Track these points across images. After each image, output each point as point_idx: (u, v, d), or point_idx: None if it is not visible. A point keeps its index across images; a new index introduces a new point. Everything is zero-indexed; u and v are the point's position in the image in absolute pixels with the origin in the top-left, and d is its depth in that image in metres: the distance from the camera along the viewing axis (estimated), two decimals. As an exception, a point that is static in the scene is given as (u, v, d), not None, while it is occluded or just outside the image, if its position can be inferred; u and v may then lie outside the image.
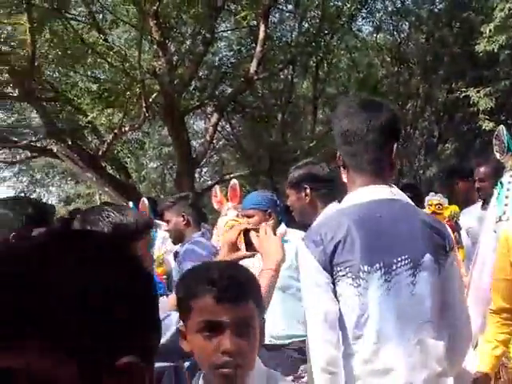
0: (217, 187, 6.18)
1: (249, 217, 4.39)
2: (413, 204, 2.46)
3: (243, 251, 2.32)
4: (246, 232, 2.35)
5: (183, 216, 4.85)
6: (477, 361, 2.91)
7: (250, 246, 2.33)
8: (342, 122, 2.33)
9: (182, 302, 1.73)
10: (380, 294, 2.19)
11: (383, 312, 2.17)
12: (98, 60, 11.15)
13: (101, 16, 11.65)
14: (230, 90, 14.37)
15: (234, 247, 2.31)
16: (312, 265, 2.22)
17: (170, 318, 2.01)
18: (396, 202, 2.30)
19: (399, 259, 2.21)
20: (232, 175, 13.72)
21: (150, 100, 10.82)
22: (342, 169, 2.39)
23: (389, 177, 2.37)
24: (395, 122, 2.36)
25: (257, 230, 2.35)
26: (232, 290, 1.63)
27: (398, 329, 2.17)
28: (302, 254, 2.32)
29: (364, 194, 2.28)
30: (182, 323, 1.75)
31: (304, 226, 3.78)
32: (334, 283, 2.22)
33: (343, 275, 2.19)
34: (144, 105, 10.49)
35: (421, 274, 2.22)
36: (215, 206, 5.99)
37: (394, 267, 2.21)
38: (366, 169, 2.30)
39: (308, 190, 3.70)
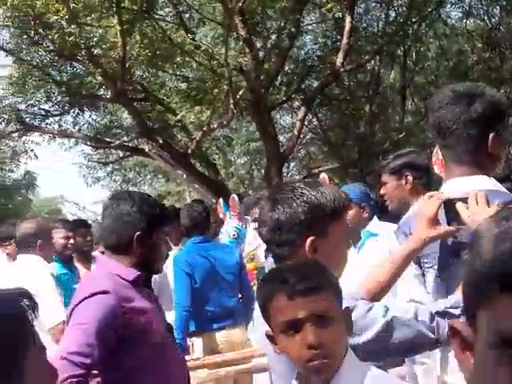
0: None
1: None
2: None
3: (445, 226, 2.04)
4: (449, 203, 2.03)
5: None
6: None
7: (453, 219, 2.02)
8: (436, 115, 2.25)
9: (262, 308, 1.73)
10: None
11: None
12: (186, 59, 11.34)
13: (187, 15, 11.81)
14: (316, 84, 14.29)
15: (433, 222, 2.03)
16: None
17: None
18: (495, 193, 2.20)
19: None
20: (321, 169, 13.66)
21: (238, 96, 10.89)
22: (436, 160, 2.30)
23: (490, 168, 2.25)
24: (491, 111, 2.21)
25: (463, 200, 1.99)
26: (300, 284, 1.61)
27: None
28: (393, 246, 2.25)
29: (460, 184, 2.19)
30: (267, 328, 1.72)
31: (395, 218, 3.74)
32: (423, 275, 2.17)
33: (430, 267, 2.15)
34: (232, 101, 10.57)
35: None
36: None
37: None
38: (464, 160, 2.19)
39: (410, 177, 3.68)
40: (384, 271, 2.11)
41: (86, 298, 2.56)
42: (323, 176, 5.87)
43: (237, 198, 6.44)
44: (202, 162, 13.98)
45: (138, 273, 2.67)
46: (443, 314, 1.81)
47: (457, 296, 1.82)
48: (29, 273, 4.23)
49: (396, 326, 1.79)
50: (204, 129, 11.23)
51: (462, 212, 1.98)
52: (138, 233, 2.66)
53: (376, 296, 2.10)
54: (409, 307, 1.87)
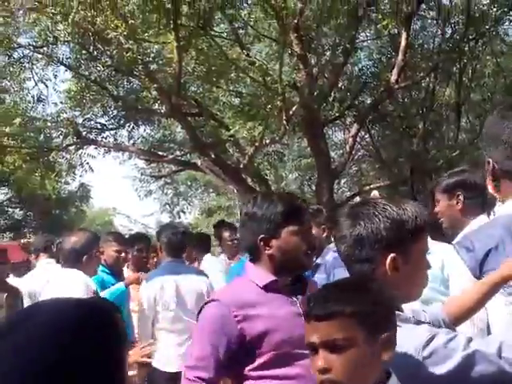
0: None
1: None
2: None
3: None
4: None
5: (323, 228, 4.91)
6: None
7: None
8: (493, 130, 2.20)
9: None
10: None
11: None
12: (240, 75, 11.41)
13: (243, 32, 11.89)
14: (369, 100, 14.22)
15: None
16: (463, 270, 2.12)
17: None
18: None
19: None
20: (371, 186, 13.55)
21: (290, 112, 10.90)
22: (491, 178, 2.24)
23: None
24: None
25: None
26: (316, 309, 1.63)
27: None
28: (453, 260, 2.22)
29: None
30: None
31: (447, 237, 3.70)
32: None
33: None
34: (284, 117, 10.58)
35: None
36: None
37: None
38: None
39: (461, 197, 3.66)
40: (470, 297, 2.10)
41: (201, 309, 2.63)
42: (374, 193, 5.82)
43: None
44: (253, 177, 14.01)
45: (272, 278, 2.58)
46: None
47: None
48: (70, 287, 4.27)
49: (477, 359, 1.71)
50: (256, 144, 11.25)
51: None
52: (261, 236, 2.59)
53: (457, 321, 2.08)
54: (492, 341, 1.79)
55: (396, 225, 1.83)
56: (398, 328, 1.69)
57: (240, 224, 2.72)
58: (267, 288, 2.57)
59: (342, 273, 4.23)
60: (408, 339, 1.72)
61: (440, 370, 1.70)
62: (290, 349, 2.48)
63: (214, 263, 6.75)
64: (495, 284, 2.05)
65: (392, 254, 1.83)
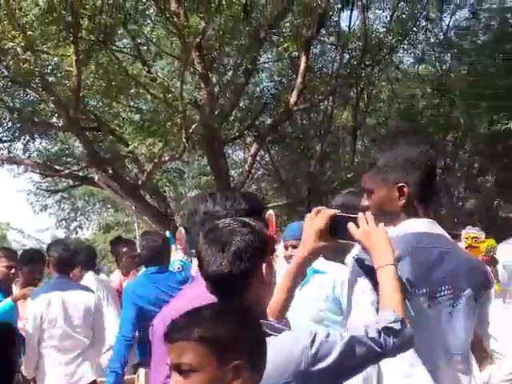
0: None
1: (294, 247, 4.36)
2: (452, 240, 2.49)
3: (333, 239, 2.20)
4: (335, 219, 2.17)
5: None
6: None
7: (337, 235, 2.18)
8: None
9: None
10: (420, 318, 2.19)
11: (420, 336, 2.13)
12: (141, 91, 11.33)
13: (145, 48, 11.83)
14: (269, 121, 14.44)
15: (322, 235, 2.18)
16: (364, 284, 2.21)
17: None
18: (442, 237, 2.33)
19: (443, 288, 2.24)
20: (270, 205, 13.72)
21: (191, 130, 10.92)
22: (403, 204, 2.33)
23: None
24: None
25: (352, 220, 2.14)
26: (171, 331, 1.66)
27: (429, 356, 2.17)
28: (353, 275, 2.29)
29: (420, 224, 2.29)
30: None
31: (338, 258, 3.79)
32: None
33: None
34: (184, 135, 10.58)
35: (459, 308, 2.24)
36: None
37: (438, 295, 2.23)
38: (427, 201, 2.31)
39: None
40: (283, 283, 2.26)
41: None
42: (269, 213, 5.90)
43: (183, 231, 6.42)
44: (152, 194, 13.90)
45: None
46: (386, 329, 1.93)
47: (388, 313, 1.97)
48: None
49: (354, 344, 1.90)
50: (155, 160, 11.19)
51: (353, 230, 2.14)
52: None
53: (281, 314, 2.24)
54: (359, 325, 1.98)
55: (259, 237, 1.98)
56: (274, 337, 1.82)
57: (199, 223, 2.39)
58: None
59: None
60: (291, 344, 1.86)
61: (327, 361, 1.86)
62: None
63: (92, 282, 6.58)
64: (297, 264, 2.25)
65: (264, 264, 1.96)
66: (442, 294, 2.24)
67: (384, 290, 2.04)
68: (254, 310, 1.83)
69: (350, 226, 2.14)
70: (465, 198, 15.64)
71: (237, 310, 1.75)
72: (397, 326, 1.94)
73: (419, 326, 2.14)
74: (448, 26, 15.20)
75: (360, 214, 2.16)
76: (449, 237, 2.40)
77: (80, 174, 14.79)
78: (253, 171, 16.79)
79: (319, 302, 3.99)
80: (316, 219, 2.23)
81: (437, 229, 2.32)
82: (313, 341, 1.85)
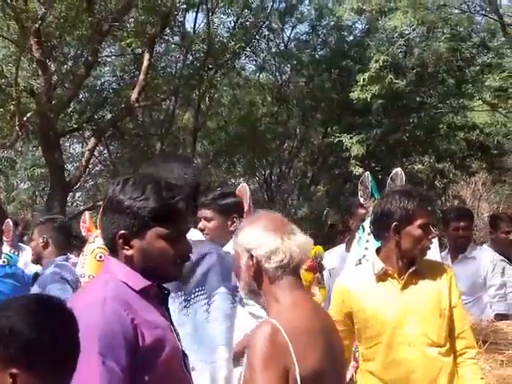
0: (86, 213, 6.05)
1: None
2: None
3: None
4: None
5: (43, 238, 4.72)
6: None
7: None
8: None
9: None
10: (181, 316, 2.64)
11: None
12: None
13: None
14: (110, 116, 14.20)
15: None
16: None
17: None
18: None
19: (197, 289, 2.67)
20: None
21: (25, 119, 10.49)
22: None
23: None
24: None
25: None
26: None
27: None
28: None
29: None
30: None
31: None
32: None
33: None
34: (18, 123, 10.16)
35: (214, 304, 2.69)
36: (83, 232, 5.86)
37: (193, 296, 2.68)
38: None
39: None
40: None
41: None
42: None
43: (11, 223, 6.18)
44: (-21, 183, 13.21)
45: (147, 282, 2.06)
46: None
47: None
48: None
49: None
50: (-17, 148, 10.65)
51: None
52: (121, 231, 2.05)
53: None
54: None
55: None
56: None
57: (102, 208, 2.14)
58: (141, 293, 2.05)
59: (55, 290, 4.14)
60: None
61: None
62: (176, 370, 2.09)
63: None
64: None
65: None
66: (197, 295, 2.70)
67: None
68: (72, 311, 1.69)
69: None
70: (297, 206, 16.21)
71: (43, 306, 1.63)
72: None
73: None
74: (289, 37, 15.74)
75: None
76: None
77: None
78: (90, 166, 16.41)
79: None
80: None
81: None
82: None
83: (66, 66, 12.60)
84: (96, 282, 2.16)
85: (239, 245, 2.25)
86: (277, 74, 16.20)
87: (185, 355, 2.15)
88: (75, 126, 13.35)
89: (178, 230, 2.11)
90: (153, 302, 2.08)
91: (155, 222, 2.04)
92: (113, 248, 2.10)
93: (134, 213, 2.03)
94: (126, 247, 2.06)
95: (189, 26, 14.63)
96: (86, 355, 1.72)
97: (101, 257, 5.67)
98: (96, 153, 15.26)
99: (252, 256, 2.20)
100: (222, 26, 14.04)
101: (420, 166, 13.95)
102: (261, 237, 2.20)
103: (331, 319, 2.40)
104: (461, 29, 12.77)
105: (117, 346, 1.89)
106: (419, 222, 2.97)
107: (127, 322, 1.94)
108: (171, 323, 2.15)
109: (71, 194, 17.01)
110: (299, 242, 2.22)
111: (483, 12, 11.79)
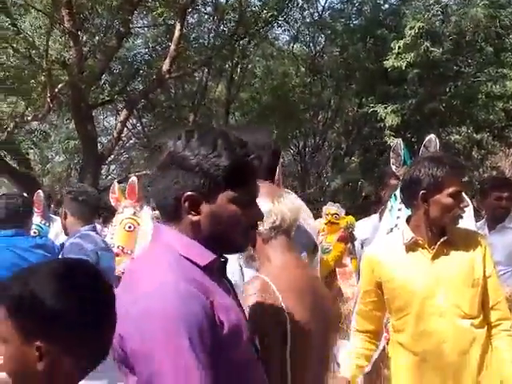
0: (115, 183, 6.02)
1: None
2: None
3: None
4: None
5: (62, 210, 4.71)
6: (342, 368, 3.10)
7: None
8: None
9: None
10: None
11: None
12: (3, 44, 10.72)
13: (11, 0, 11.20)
14: (141, 87, 14.16)
15: None
16: None
17: None
18: None
19: None
20: (137, 173, 13.51)
21: (56, 90, 10.48)
22: None
23: None
24: None
25: None
26: None
27: None
28: None
29: None
30: None
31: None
32: None
33: None
34: (49, 95, 10.15)
35: None
36: (112, 202, 5.83)
37: None
38: None
39: None
40: None
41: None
42: (132, 179, 5.80)
43: (42, 194, 6.18)
44: (13, 156, 13.29)
45: (213, 256, 1.77)
46: None
47: None
48: None
49: None
50: (16, 120, 10.67)
51: None
52: (188, 192, 1.72)
53: None
54: None
55: None
56: None
57: (158, 166, 1.77)
58: (206, 269, 1.74)
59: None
60: None
61: None
62: (248, 357, 1.79)
63: None
64: None
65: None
66: None
67: None
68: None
69: None
70: (331, 178, 16.07)
71: (74, 275, 1.50)
72: None
73: None
74: (323, 7, 15.50)
75: None
76: None
77: None
78: (124, 139, 16.46)
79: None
80: None
81: None
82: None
83: (97, 37, 12.57)
84: (154, 259, 1.74)
85: None
86: (310, 44, 16.03)
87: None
88: (107, 97, 13.34)
89: (251, 193, 1.81)
90: (216, 278, 1.78)
91: (228, 182, 1.73)
92: (173, 213, 1.75)
93: (204, 171, 1.70)
94: (193, 212, 1.73)
95: (221, -3, 14.46)
96: (172, 342, 1.53)
97: (130, 227, 5.68)
98: (129, 125, 15.26)
99: None
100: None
101: (457, 136, 13.63)
102: None
103: (319, 282, 2.52)
104: (499, -5, 12.39)
105: (203, 330, 1.59)
106: (449, 190, 2.82)
107: (207, 304, 1.63)
108: (236, 296, 1.89)
109: (106, 166, 17.10)
110: (289, 205, 2.29)
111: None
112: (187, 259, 1.71)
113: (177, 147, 1.73)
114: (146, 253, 1.85)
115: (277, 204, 2.27)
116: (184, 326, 1.56)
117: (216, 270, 1.79)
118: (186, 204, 1.72)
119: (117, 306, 1.56)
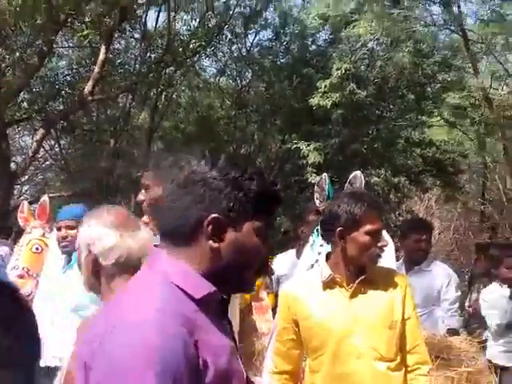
0: (25, 203, 5.74)
1: (70, 228, 4.20)
2: None
3: None
4: None
5: None
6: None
7: None
8: None
9: None
10: None
11: None
12: None
13: None
14: (62, 108, 13.79)
15: None
16: None
17: None
18: None
19: None
20: (52, 195, 13.06)
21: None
22: None
23: None
24: None
25: None
26: None
27: None
28: None
29: None
30: None
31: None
32: None
33: None
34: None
35: None
36: (20, 222, 5.55)
37: None
38: None
39: None
40: None
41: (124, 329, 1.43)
42: (44, 199, 5.56)
43: None
44: None
45: (212, 288, 1.54)
46: None
47: None
48: None
49: None
50: None
51: None
52: (212, 215, 1.51)
53: None
54: None
55: None
56: None
57: (177, 183, 1.55)
58: (201, 303, 1.52)
59: None
60: None
61: None
62: None
63: None
64: None
65: None
66: None
67: None
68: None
69: None
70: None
71: None
72: None
73: None
74: (252, 43, 15.56)
75: None
76: None
77: None
78: (41, 160, 15.98)
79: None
80: None
81: None
82: None
83: (17, 54, 12.17)
84: (145, 288, 1.53)
85: (81, 239, 2.17)
86: (237, 78, 16.02)
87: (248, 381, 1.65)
88: (24, 115, 12.90)
89: (270, 226, 1.62)
90: (212, 315, 1.55)
91: (256, 210, 1.54)
92: (188, 236, 1.54)
93: (235, 194, 1.52)
94: (214, 237, 1.52)
95: (150, 24, 14.37)
96: (139, 377, 1.34)
97: (37, 248, 5.40)
98: (47, 147, 14.81)
99: (90, 252, 2.14)
100: (183, 24, 13.78)
101: (376, 178, 13.87)
102: (100, 232, 2.13)
103: None
104: (424, 45, 12.77)
105: (179, 371, 1.39)
106: (366, 227, 2.73)
107: (191, 344, 1.43)
108: (234, 339, 1.65)
109: (18, 186, 16.53)
110: (141, 239, 2.15)
111: (447, 26, 11.73)
112: (182, 290, 1.51)
113: (202, 166, 1.54)
114: (137, 278, 1.61)
115: (126, 238, 2.14)
116: (157, 366, 1.36)
117: (214, 306, 1.57)
118: (210, 228, 1.51)
119: (92, 327, 1.44)
